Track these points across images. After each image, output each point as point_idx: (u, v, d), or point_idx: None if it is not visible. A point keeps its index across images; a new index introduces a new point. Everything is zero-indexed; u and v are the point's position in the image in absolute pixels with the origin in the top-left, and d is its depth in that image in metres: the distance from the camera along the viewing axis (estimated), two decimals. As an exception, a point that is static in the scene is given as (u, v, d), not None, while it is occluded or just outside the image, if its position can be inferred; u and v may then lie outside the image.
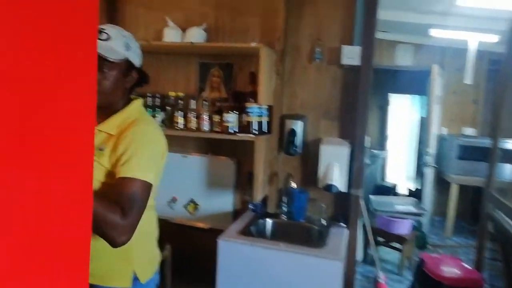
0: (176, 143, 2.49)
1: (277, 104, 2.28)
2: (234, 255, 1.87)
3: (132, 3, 2.54)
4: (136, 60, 1.20)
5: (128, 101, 1.23)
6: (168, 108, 2.28)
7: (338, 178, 2.13)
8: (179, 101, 2.24)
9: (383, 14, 2.38)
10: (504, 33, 3.54)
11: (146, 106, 2.26)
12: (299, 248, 1.82)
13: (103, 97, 1.12)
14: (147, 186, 1.08)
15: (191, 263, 2.36)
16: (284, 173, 2.30)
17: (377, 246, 3.68)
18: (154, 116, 2.24)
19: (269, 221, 2.21)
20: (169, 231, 2.51)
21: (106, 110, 1.17)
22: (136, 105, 1.24)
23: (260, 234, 2.14)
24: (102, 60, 1.08)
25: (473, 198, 4.50)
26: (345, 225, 2.16)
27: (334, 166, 2.14)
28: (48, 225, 0.44)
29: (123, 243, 1.01)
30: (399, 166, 7.37)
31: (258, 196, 2.08)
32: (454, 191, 4.22)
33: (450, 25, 3.70)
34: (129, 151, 1.08)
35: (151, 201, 1.25)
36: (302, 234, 2.16)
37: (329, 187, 2.12)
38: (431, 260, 2.42)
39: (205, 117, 2.16)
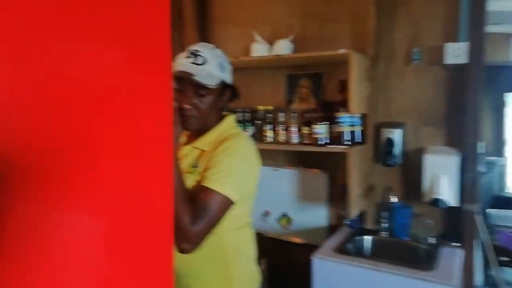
0: (267, 157, 2.48)
1: (371, 112, 2.13)
2: (329, 274, 1.76)
3: (222, 21, 2.63)
4: (229, 78, 1.19)
5: (220, 118, 1.22)
6: (257, 122, 2.28)
7: (446, 191, 1.88)
8: (268, 115, 2.23)
9: (494, 4, 2.09)
10: None
11: (237, 121, 2.31)
12: (404, 269, 1.63)
13: (200, 121, 1.12)
14: (226, 202, 1.03)
15: (286, 278, 2.31)
16: (382, 186, 2.12)
17: (500, 267, 3.20)
18: (245, 131, 2.27)
19: (367, 238, 2.05)
20: (263, 245, 2.50)
21: (201, 132, 1.18)
22: (229, 121, 1.23)
23: (358, 252, 1.99)
24: (200, 86, 1.09)
25: None
26: (458, 244, 1.90)
27: (442, 177, 1.90)
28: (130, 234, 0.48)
29: (187, 251, 0.96)
30: (521, 175, 6.39)
31: (353, 211, 1.95)
32: None
33: None
34: (218, 163, 1.06)
35: (246, 219, 1.24)
36: (406, 253, 1.95)
37: (436, 202, 1.89)
38: None
39: (294, 129, 2.12)
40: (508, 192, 5.61)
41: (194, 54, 1.10)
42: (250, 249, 1.30)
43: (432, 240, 1.93)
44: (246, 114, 2.33)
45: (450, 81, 2.03)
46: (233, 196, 1.04)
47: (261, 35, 2.41)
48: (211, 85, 1.10)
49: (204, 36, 2.63)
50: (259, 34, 2.41)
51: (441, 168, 1.91)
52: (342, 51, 1.95)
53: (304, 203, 2.35)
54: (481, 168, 4.73)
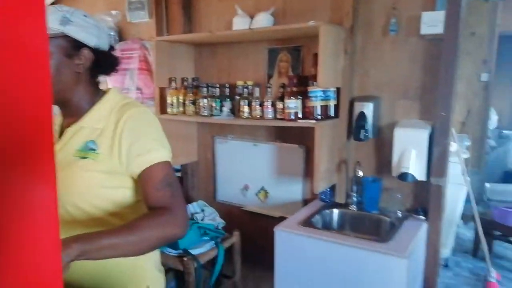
0: (246, 132, 2.51)
1: (347, 86, 2.10)
2: (290, 246, 1.82)
3: (206, -4, 2.62)
4: (88, 38, 0.99)
5: (98, 92, 1.09)
6: (236, 97, 2.31)
7: (414, 165, 1.86)
8: (245, 90, 2.25)
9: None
10: None
11: (215, 96, 2.34)
12: (359, 241, 1.66)
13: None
14: (169, 164, 1.02)
15: (260, 250, 2.38)
16: (354, 160, 2.12)
17: (494, 241, 3.17)
18: (222, 106, 2.30)
19: (335, 212, 2.07)
20: (240, 218, 2.58)
21: (74, 109, 1.05)
22: (114, 93, 1.09)
23: (324, 225, 2.02)
24: None
25: None
26: (424, 218, 1.89)
27: (411, 152, 1.88)
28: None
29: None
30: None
31: (320, 185, 1.96)
32: None
33: None
34: (136, 139, 0.99)
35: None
36: (371, 226, 1.97)
37: (404, 176, 1.88)
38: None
39: (268, 104, 2.13)
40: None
41: None
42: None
43: (400, 214, 1.93)
44: (226, 89, 2.35)
45: (426, 53, 1.97)
46: (169, 157, 1.03)
47: (244, 9, 2.40)
48: (53, 31, 0.93)
49: (188, 11, 2.64)
50: (241, 8, 2.39)
51: (411, 142, 1.88)
52: (311, 23, 1.91)
53: (281, 178, 2.38)
54: (492, 142, 4.59)
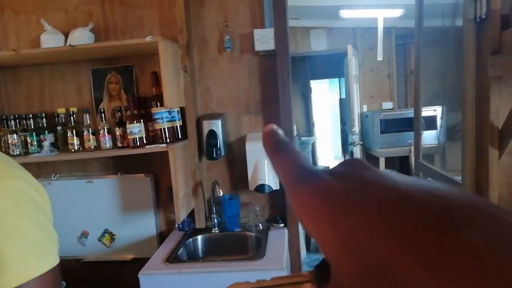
0: (77, 168, 2.11)
1: (190, 105, 2.00)
2: (161, 289, 1.58)
3: (-5, 8, 2.07)
4: None
5: None
6: (58, 128, 1.89)
7: (269, 176, 1.92)
8: (71, 118, 1.87)
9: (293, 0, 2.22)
10: (407, 6, 3.62)
11: (29, 129, 1.86)
12: (236, 264, 1.58)
13: None
14: (52, 274, 0.70)
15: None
16: (210, 180, 2.04)
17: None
18: (41, 140, 1.84)
19: (199, 238, 1.94)
20: (84, 272, 2.13)
21: None
22: None
23: (191, 256, 1.86)
24: None
25: (399, 168, 4.65)
26: (282, 225, 1.97)
27: (264, 163, 1.93)
28: None
29: None
30: (328, 149, 7.52)
31: (182, 213, 1.80)
32: (382, 165, 4.31)
33: (358, 4, 3.71)
34: None
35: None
36: (238, 245, 1.93)
37: (261, 188, 1.91)
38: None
39: (105, 132, 1.82)
40: (319, 166, 6.47)
41: None
42: None
43: (261, 226, 1.96)
44: (42, 120, 1.90)
45: (263, 69, 2.07)
46: (55, 260, 0.71)
47: (53, 24, 2.00)
48: None
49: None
50: (49, 23, 1.99)
51: (262, 155, 1.93)
52: (148, 38, 1.74)
53: (128, 215, 2.08)
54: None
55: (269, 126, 0.25)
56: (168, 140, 1.83)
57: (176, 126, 1.92)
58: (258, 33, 1.98)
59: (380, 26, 4.01)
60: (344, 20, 4.19)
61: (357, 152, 4.39)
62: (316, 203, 0.18)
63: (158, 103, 1.81)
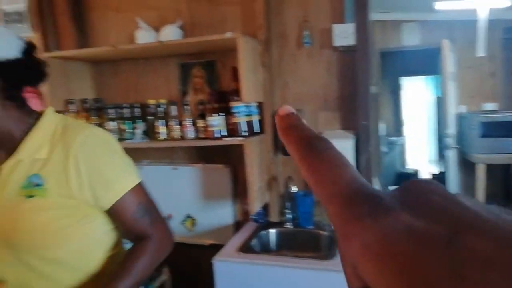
0: (163, 155, 2.28)
1: (269, 100, 2.03)
2: (232, 276, 1.63)
3: (100, 7, 2.33)
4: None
5: (30, 115, 0.89)
6: (149, 117, 2.06)
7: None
8: (160, 109, 2.03)
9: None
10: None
11: (124, 118, 2.06)
12: (306, 261, 1.57)
13: None
14: (140, 186, 0.94)
15: (193, 284, 2.14)
16: (284, 176, 2.05)
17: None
18: (134, 128, 2.03)
19: (272, 232, 1.96)
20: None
21: (5, 141, 0.86)
22: (51, 113, 0.92)
23: (263, 247, 1.89)
24: None
25: (503, 177, 4.14)
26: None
27: (339, 161, 1.87)
28: None
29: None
30: (419, 151, 7.00)
31: (256, 205, 1.84)
32: (480, 172, 3.87)
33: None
34: (97, 170, 0.86)
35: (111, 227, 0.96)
36: (310, 242, 1.90)
37: (335, 186, 1.86)
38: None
39: (188, 123, 1.94)
40: (408, 168, 6.10)
41: None
42: None
43: (335, 226, 1.91)
44: (136, 110, 2.09)
45: (342, 64, 2.02)
46: (139, 177, 0.95)
47: (146, 21, 2.18)
48: None
49: (80, 24, 2.31)
50: (143, 20, 2.18)
51: (338, 152, 1.88)
52: (228, 35, 1.81)
53: (208, 202, 2.19)
54: (383, 148, 5.04)
55: (286, 108, 0.20)
56: (245, 134, 1.88)
57: (254, 120, 1.96)
58: (337, 28, 1.93)
59: (482, 18, 3.60)
60: (439, 12, 3.85)
61: (452, 157, 4.01)
62: (392, 249, 0.13)
63: (237, 97, 1.87)
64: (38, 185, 0.84)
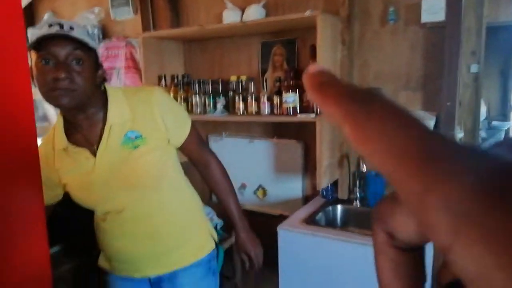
0: (242, 128, 2.42)
1: (346, 78, 2.02)
2: (294, 245, 1.73)
3: (191, -11, 2.51)
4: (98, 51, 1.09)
5: (103, 95, 1.09)
6: (230, 93, 2.21)
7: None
8: (239, 85, 2.15)
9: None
10: None
11: (208, 93, 2.24)
12: (366, 239, 1.59)
13: (79, 96, 0.97)
14: (193, 125, 1.20)
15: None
16: (356, 154, 2.05)
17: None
18: (216, 103, 2.20)
19: (339, 208, 2.00)
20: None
21: (91, 114, 1.06)
22: (111, 88, 1.11)
23: (328, 222, 1.95)
24: (76, 50, 0.95)
25: None
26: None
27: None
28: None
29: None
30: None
31: (324, 181, 1.89)
32: None
33: None
34: (174, 114, 1.13)
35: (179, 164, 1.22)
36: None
37: (409, 169, 1.81)
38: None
39: (265, 99, 2.04)
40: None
41: (58, 24, 0.95)
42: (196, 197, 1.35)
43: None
44: (218, 85, 2.25)
45: (428, 42, 1.91)
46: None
47: (233, 2, 2.30)
48: (92, 44, 0.99)
49: (175, 5, 2.52)
50: (230, 1, 2.30)
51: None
52: (307, 13, 1.83)
53: (280, 175, 2.30)
54: (482, 133, 4.58)
55: (317, 65, 0.16)
56: (318, 111, 1.91)
57: (329, 98, 1.98)
58: (426, 2, 1.82)
59: None
60: None
61: None
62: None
63: (313, 74, 1.90)
64: (137, 137, 1.05)
